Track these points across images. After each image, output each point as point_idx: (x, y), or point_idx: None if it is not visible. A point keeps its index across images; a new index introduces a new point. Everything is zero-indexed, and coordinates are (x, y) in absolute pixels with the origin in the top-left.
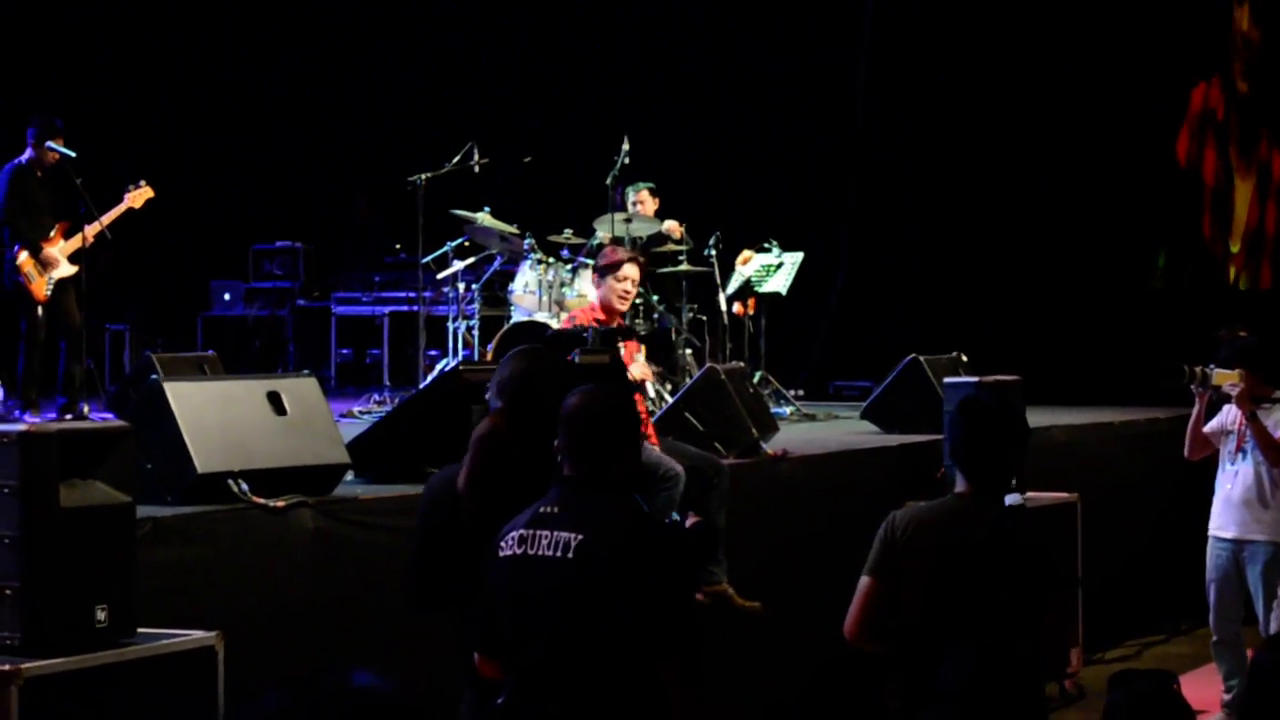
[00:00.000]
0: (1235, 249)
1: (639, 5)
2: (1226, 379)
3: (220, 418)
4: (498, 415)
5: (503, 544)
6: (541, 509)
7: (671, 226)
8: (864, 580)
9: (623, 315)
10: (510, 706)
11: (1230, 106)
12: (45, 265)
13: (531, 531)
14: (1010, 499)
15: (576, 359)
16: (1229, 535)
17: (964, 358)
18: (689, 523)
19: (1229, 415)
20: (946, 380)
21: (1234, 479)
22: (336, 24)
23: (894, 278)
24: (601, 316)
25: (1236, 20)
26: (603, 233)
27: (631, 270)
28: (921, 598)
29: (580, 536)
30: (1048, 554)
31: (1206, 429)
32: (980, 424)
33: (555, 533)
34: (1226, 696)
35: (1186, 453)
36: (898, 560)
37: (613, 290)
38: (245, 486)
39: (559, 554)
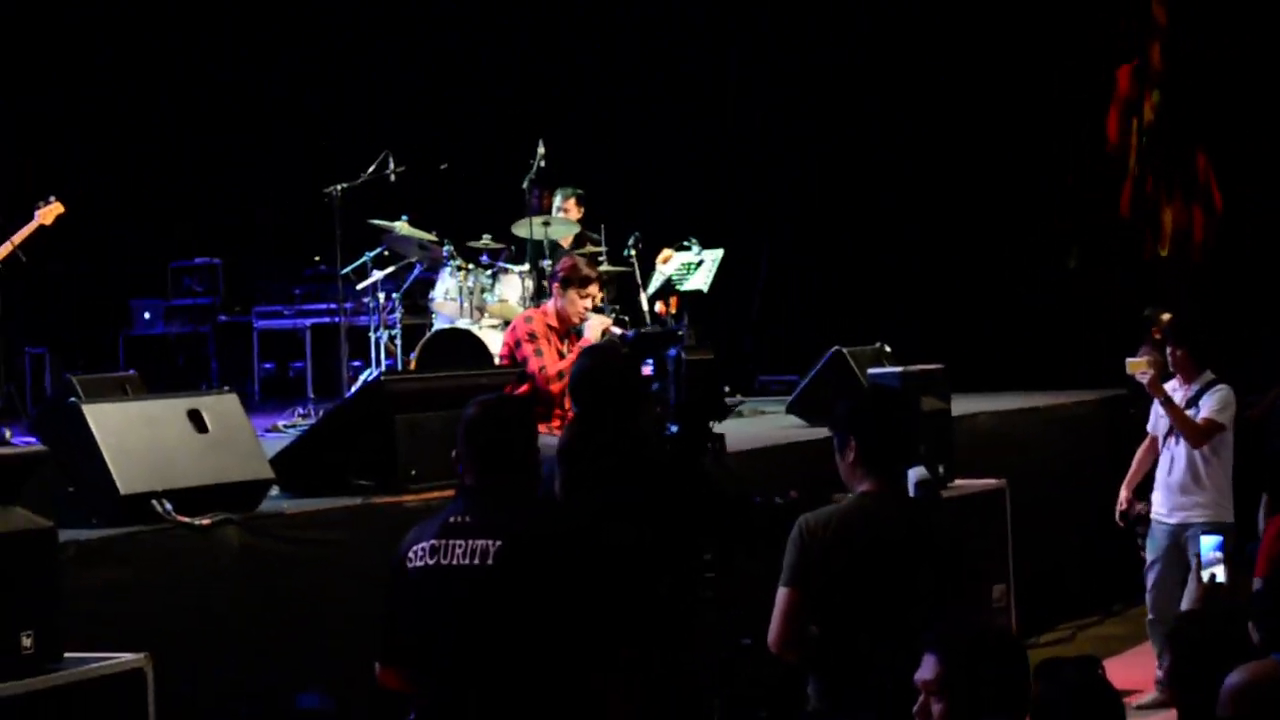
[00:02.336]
0: (1164, 252)
1: (549, 6)
2: (1137, 367)
3: (141, 438)
4: (574, 419)
5: (410, 555)
6: (450, 519)
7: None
8: (783, 591)
9: (574, 329)
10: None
11: (1147, 86)
12: None
13: (444, 541)
14: (915, 472)
15: (682, 354)
16: (1171, 520)
17: (887, 348)
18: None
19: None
20: (870, 371)
21: (1170, 462)
22: (247, 35)
23: (816, 270)
24: (554, 323)
25: (1154, 10)
26: (520, 235)
27: (595, 289)
28: (840, 601)
29: (499, 543)
30: (960, 541)
31: (1148, 427)
32: (878, 419)
33: (470, 541)
34: (1161, 674)
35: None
36: (813, 567)
37: (574, 303)
38: (169, 506)
39: (476, 561)
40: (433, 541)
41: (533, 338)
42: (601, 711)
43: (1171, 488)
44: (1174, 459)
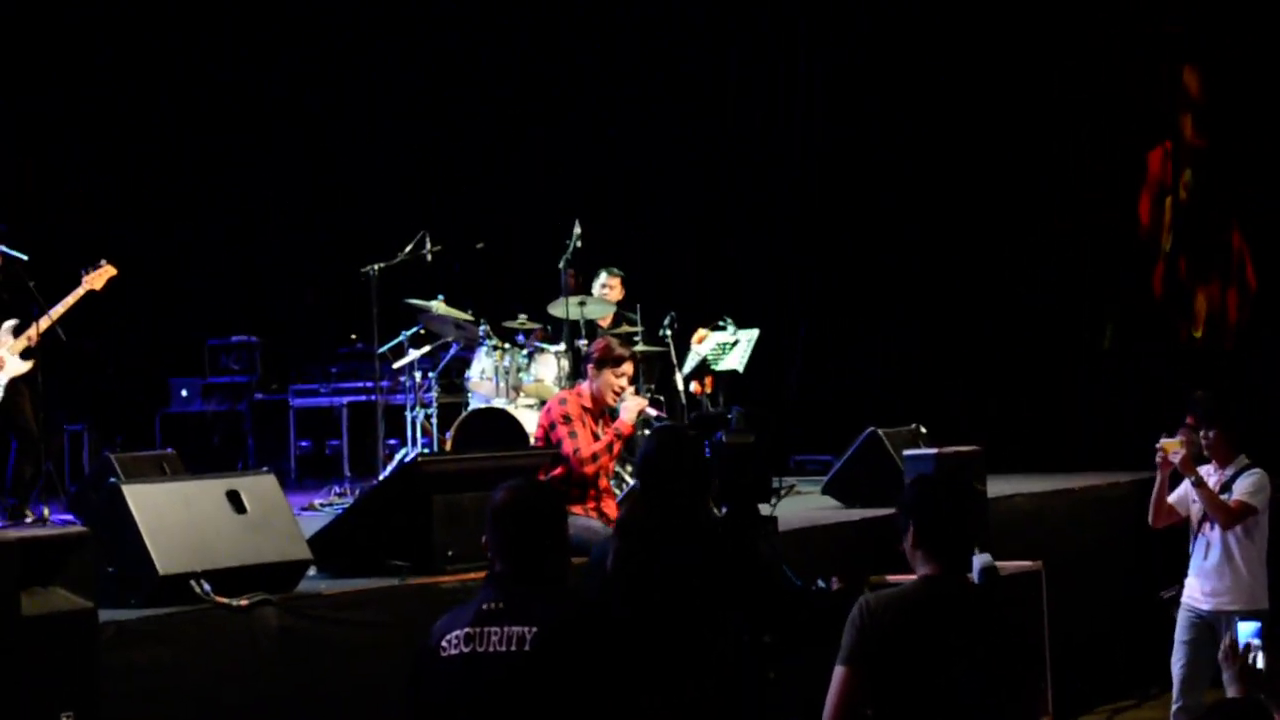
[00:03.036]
0: (1197, 334)
1: (582, 84)
2: (1171, 447)
3: (180, 518)
4: (636, 496)
5: (444, 644)
6: (484, 606)
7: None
8: (839, 670)
9: (609, 410)
10: None
11: (1180, 164)
12: None
13: (479, 629)
14: (980, 559)
15: (722, 439)
16: (1204, 607)
17: (923, 429)
18: (834, 585)
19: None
20: (906, 453)
21: (1206, 549)
22: (282, 112)
23: (851, 351)
24: (588, 404)
25: (1185, 80)
26: (557, 314)
27: (630, 369)
28: (896, 684)
29: (534, 629)
30: (1020, 626)
31: (1171, 497)
32: (938, 503)
33: (506, 628)
34: None
35: (1151, 521)
36: (872, 646)
37: (609, 384)
38: (208, 587)
39: (514, 648)
40: (467, 630)
41: (567, 419)
42: None
43: (1206, 573)
44: (1209, 544)
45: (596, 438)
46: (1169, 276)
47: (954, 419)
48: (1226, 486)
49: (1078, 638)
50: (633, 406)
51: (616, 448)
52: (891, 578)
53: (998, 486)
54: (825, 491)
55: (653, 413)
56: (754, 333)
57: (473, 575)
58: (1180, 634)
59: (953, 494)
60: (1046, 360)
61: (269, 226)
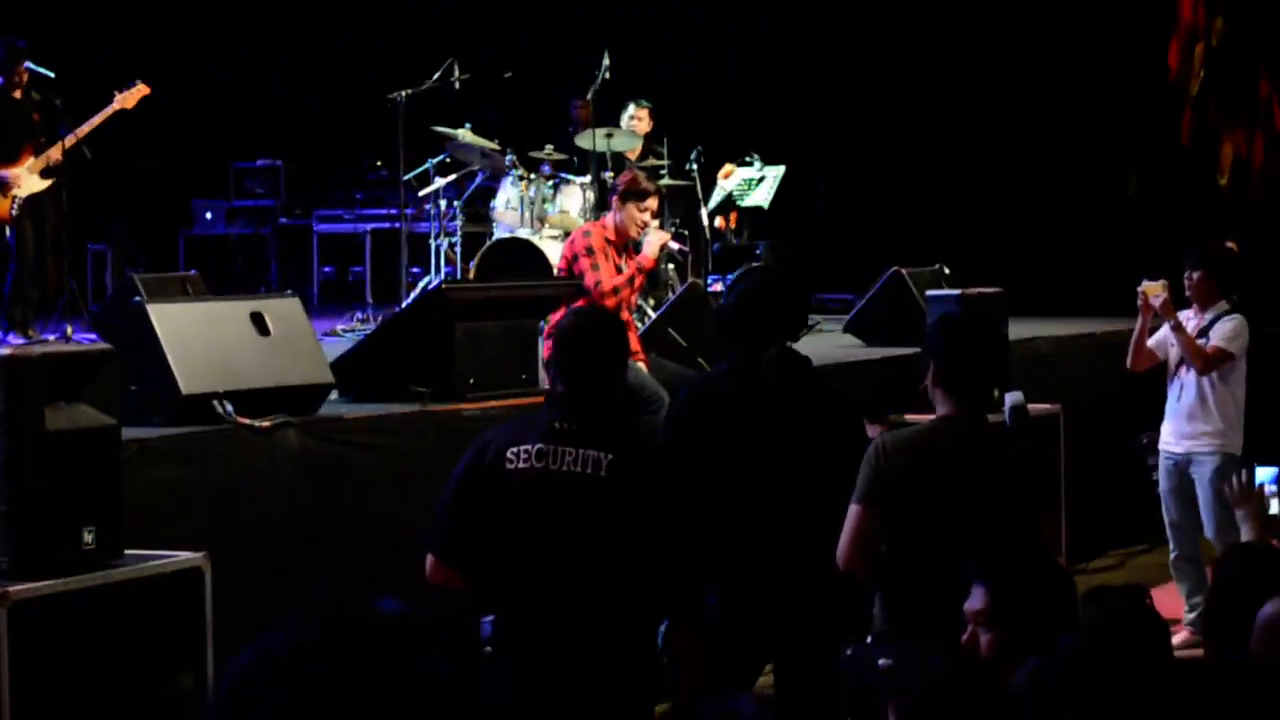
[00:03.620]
0: (1223, 181)
1: None
2: (1153, 290)
3: (204, 339)
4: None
5: (510, 456)
6: (555, 425)
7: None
8: (854, 509)
9: (632, 243)
10: (520, 625)
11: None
12: (6, 185)
13: (552, 447)
14: (1011, 397)
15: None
16: (1177, 450)
17: (946, 270)
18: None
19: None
20: (929, 293)
21: (1179, 391)
22: None
23: (876, 190)
24: (612, 237)
25: None
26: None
27: (654, 203)
28: (909, 523)
29: (609, 456)
30: (1039, 467)
31: (1151, 341)
32: (960, 343)
33: (581, 450)
34: (1190, 615)
35: (1130, 364)
36: (888, 487)
37: (632, 217)
38: (230, 407)
39: (589, 470)
40: (539, 446)
41: (590, 252)
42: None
43: (1179, 416)
44: (1183, 387)
45: (619, 271)
46: (1196, 123)
47: (978, 260)
48: (1205, 331)
49: (1093, 481)
50: (655, 241)
51: (639, 281)
52: (910, 417)
53: (1019, 329)
54: (847, 330)
55: (675, 246)
56: (780, 169)
57: (494, 403)
58: (1162, 482)
59: (975, 334)
60: (1072, 205)
61: (296, 49)
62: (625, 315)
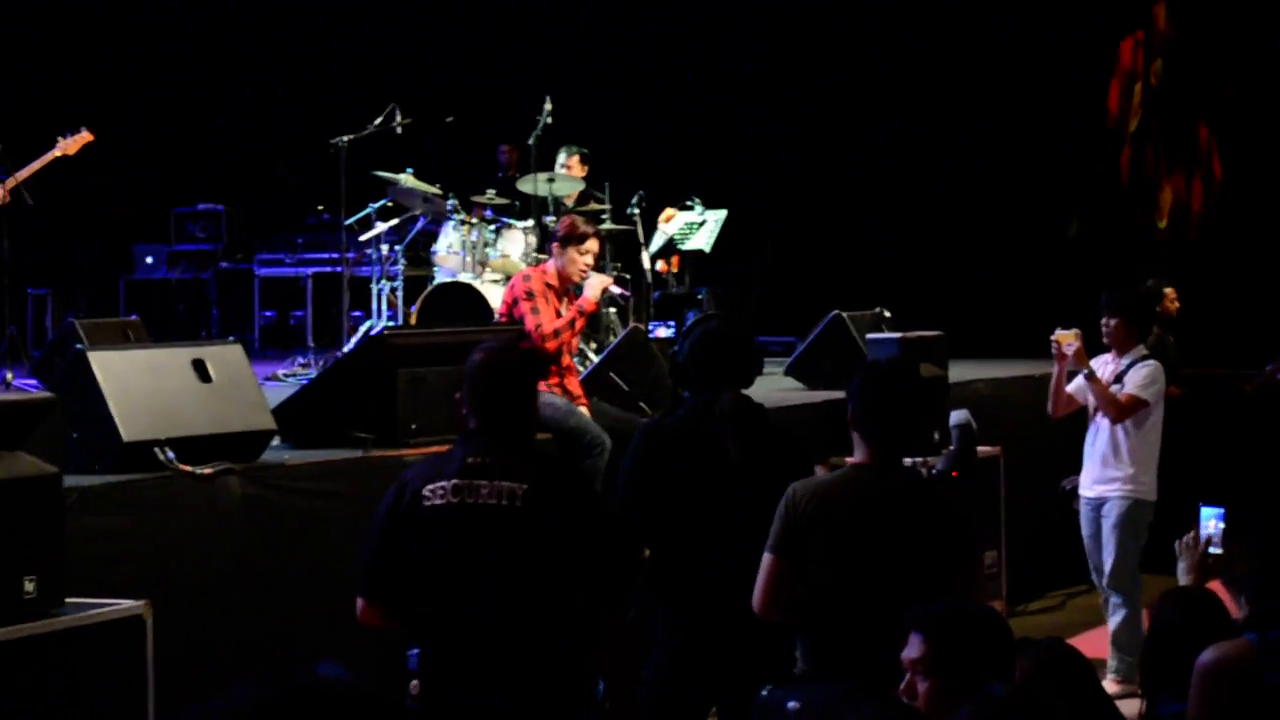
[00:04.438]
0: (1161, 225)
1: None
2: (1066, 339)
3: (145, 386)
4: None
5: (428, 494)
6: (468, 460)
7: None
8: (767, 558)
9: (574, 288)
10: (445, 657)
11: (1151, 55)
12: None
13: (467, 481)
14: (956, 415)
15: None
16: (1092, 494)
17: (887, 314)
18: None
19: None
20: (869, 336)
21: (1095, 436)
22: None
23: (818, 234)
24: (553, 282)
25: None
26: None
27: (594, 245)
28: (828, 567)
29: (525, 486)
30: (956, 517)
31: (1070, 387)
32: (878, 388)
33: (495, 482)
34: (1113, 662)
35: (1051, 410)
36: (798, 536)
37: (573, 262)
38: (172, 454)
39: (504, 502)
40: (455, 481)
41: (530, 296)
42: (594, 649)
43: (1095, 461)
44: (1099, 431)
45: (560, 315)
46: (1135, 165)
47: (919, 303)
48: (1121, 376)
49: (1034, 523)
50: (596, 284)
51: (580, 324)
52: (851, 460)
53: (960, 371)
54: (788, 373)
55: (617, 290)
56: (722, 213)
57: (436, 449)
58: (1084, 527)
59: (893, 380)
60: (1014, 247)
61: (238, 94)
62: (566, 359)
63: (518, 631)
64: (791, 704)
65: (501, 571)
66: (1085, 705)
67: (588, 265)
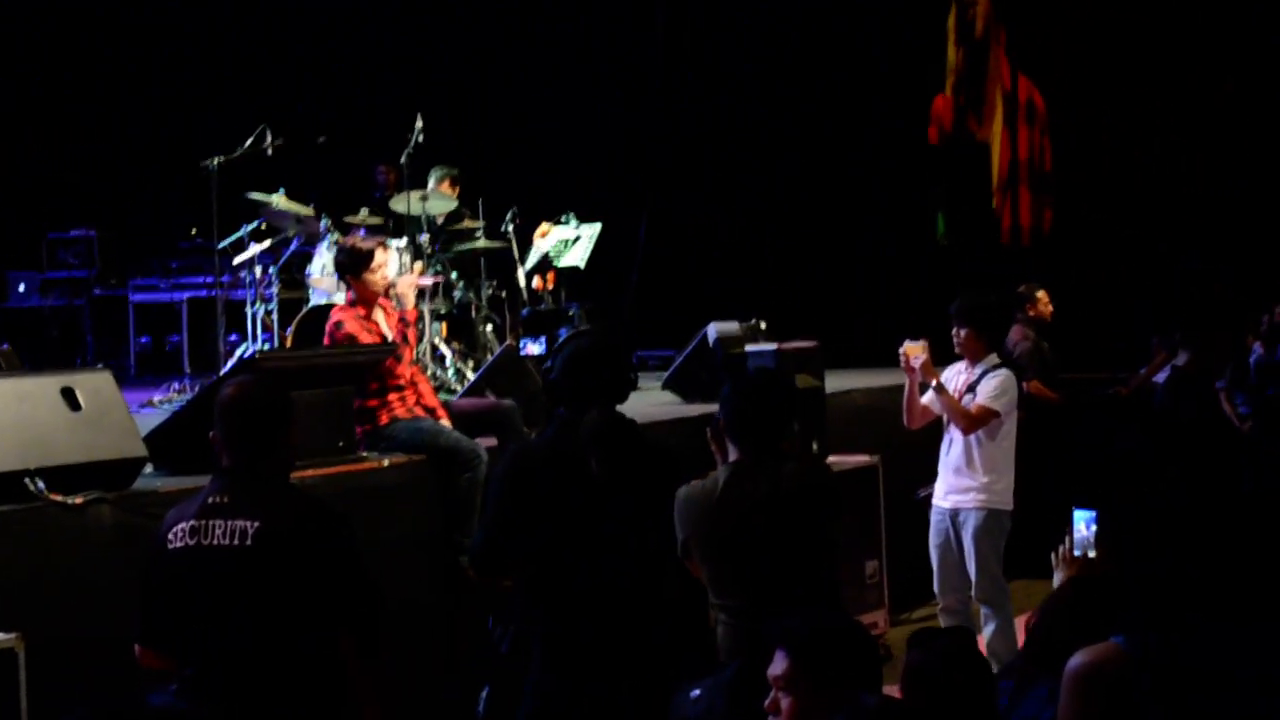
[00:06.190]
0: (994, 203)
1: None
2: (913, 351)
3: (13, 415)
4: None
5: (171, 536)
6: (209, 500)
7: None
8: (687, 564)
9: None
10: (194, 695)
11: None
12: None
13: (204, 522)
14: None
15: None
16: (945, 505)
17: (762, 325)
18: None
19: (949, 383)
20: (746, 349)
21: (949, 445)
22: (127, 5)
23: (693, 247)
24: (363, 312)
25: None
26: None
27: (382, 255)
28: (711, 568)
29: (256, 523)
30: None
31: (924, 399)
32: (745, 392)
33: (229, 521)
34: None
35: (906, 423)
36: (687, 538)
37: (373, 284)
38: (42, 484)
39: (235, 542)
40: (193, 522)
41: (351, 339)
42: (344, 678)
43: (948, 471)
44: (952, 441)
45: (384, 337)
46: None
47: (794, 314)
48: (973, 387)
49: (913, 531)
50: (408, 292)
51: (411, 335)
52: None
53: (836, 381)
54: (665, 387)
55: (427, 283)
56: (596, 228)
57: (311, 472)
58: (931, 536)
59: (755, 384)
60: (888, 254)
61: (109, 117)
62: (413, 370)
63: (264, 669)
64: (695, 692)
65: (239, 610)
66: (975, 706)
67: (385, 276)
